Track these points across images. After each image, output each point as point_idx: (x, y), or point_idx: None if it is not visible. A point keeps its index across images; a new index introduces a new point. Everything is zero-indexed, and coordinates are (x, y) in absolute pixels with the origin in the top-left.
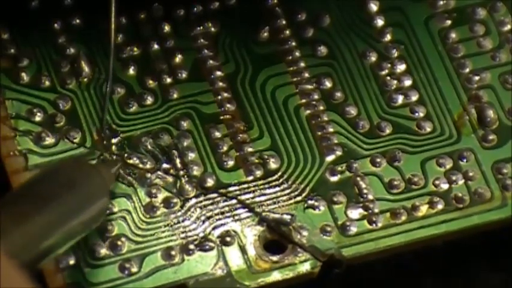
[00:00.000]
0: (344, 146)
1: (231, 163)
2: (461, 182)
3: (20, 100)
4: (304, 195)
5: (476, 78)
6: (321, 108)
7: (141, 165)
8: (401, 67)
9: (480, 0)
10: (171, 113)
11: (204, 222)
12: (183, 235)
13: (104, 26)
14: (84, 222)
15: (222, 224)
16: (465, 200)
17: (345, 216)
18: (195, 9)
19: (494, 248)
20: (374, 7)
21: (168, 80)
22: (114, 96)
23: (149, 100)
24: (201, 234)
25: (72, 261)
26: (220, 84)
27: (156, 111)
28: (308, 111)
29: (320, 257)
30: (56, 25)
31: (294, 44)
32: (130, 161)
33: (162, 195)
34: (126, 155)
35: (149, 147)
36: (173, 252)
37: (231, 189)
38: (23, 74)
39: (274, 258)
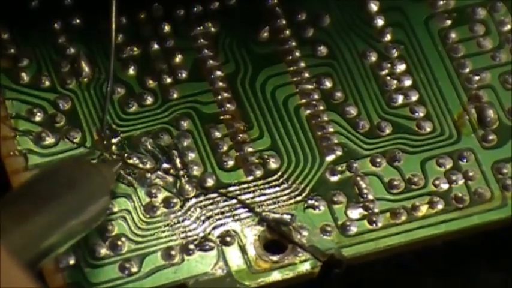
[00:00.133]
0: (344, 146)
1: (231, 163)
2: (461, 182)
3: (20, 100)
4: (304, 195)
5: (476, 78)
6: (321, 108)
7: (141, 165)
8: (401, 67)
9: (480, 0)
10: (171, 113)
11: (204, 222)
12: (183, 235)
13: (104, 26)
14: (85, 222)
15: (222, 224)
16: (465, 200)
17: (345, 216)
18: (195, 9)
19: (494, 248)
20: (374, 7)
21: (168, 80)
22: (114, 96)
23: (149, 100)
24: (201, 234)
25: (72, 261)
26: (220, 84)
27: (156, 111)
28: (308, 111)
29: (320, 257)
30: (56, 25)
31: (294, 44)
32: (131, 161)
33: (162, 195)
34: (126, 155)
35: (149, 147)
36: (173, 252)
37: (231, 189)
38: (23, 74)
39: (274, 258)
